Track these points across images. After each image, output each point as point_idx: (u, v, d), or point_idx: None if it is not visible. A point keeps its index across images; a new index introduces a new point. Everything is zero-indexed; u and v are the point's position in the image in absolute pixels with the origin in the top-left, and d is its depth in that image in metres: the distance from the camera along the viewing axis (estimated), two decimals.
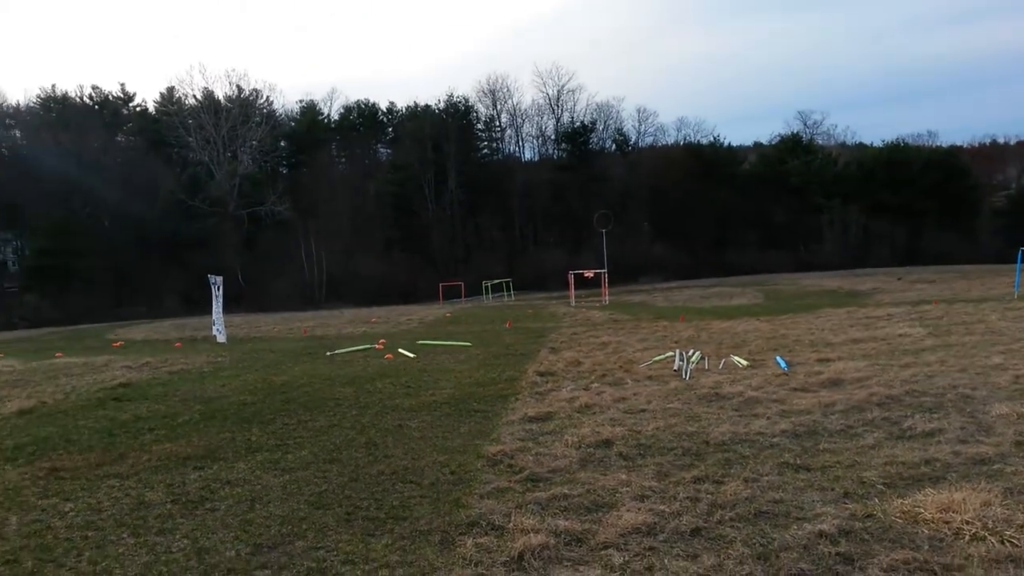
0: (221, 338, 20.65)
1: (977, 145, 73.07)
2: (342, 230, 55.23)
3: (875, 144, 68.47)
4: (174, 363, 14.99)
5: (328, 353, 16.00)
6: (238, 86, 59.03)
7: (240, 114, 56.58)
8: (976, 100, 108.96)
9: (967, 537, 4.06)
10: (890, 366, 10.34)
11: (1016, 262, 23.08)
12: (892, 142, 64.45)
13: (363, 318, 29.03)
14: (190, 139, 55.92)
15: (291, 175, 63.61)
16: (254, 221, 54.46)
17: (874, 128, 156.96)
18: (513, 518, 4.83)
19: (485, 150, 67.47)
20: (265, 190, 55.07)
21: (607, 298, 32.61)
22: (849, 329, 15.97)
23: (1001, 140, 74.68)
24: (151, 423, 8.92)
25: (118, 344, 22.54)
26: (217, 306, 21.10)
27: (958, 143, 70.94)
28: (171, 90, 60.20)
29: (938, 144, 67.23)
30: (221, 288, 21.18)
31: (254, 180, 56.27)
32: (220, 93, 58.58)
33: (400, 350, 15.79)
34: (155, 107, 61.30)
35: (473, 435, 7.57)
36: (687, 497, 5.10)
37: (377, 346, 17.08)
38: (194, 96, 58.47)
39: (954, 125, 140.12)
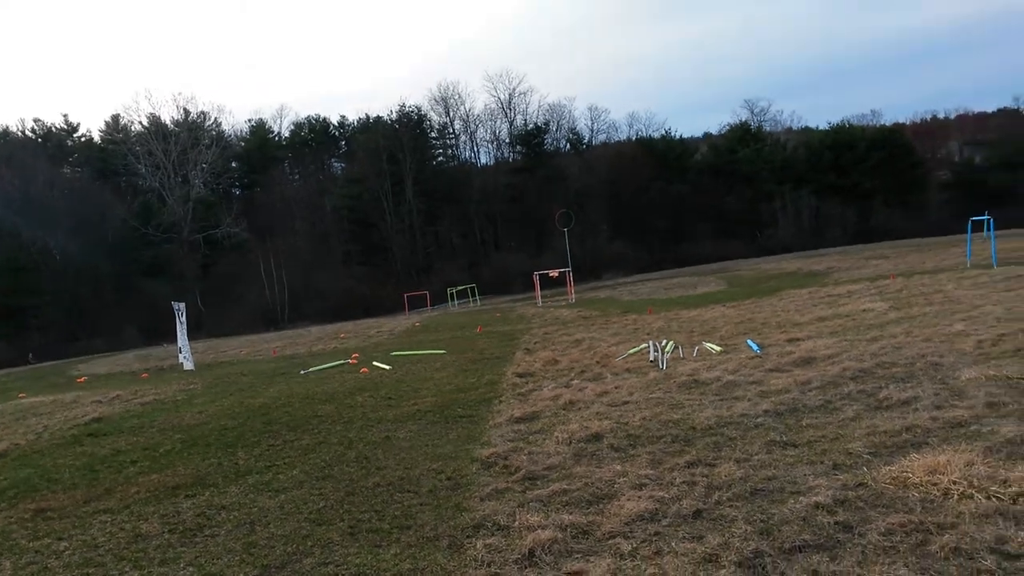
0: (188, 365, 20.32)
1: (919, 121, 75.22)
2: (300, 247, 54.74)
3: (821, 127, 70.15)
4: (145, 394, 14.72)
5: (302, 371, 15.87)
6: (185, 109, 58.24)
7: (189, 138, 55.74)
8: (914, 77, 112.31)
9: (956, 496, 4.25)
10: (858, 341, 10.63)
11: (967, 232, 23.88)
12: (837, 124, 66.13)
13: (331, 334, 28.78)
14: (139, 166, 54.88)
15: (245, 196, 62.89)
16: (210, 245, 53.68)
17: (819, 111, 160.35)
18: (517, 517, 4.89)
19: (440, 158, 67.45)
20: (219, 213, 54.35)
21: (573, 296, 32.85)
22: (813, 308, 16.37)
23: (941, 115, 77.01)
24: (132, 456, 8.77)
25: (82, 380, 22.00)
26: (182, 333, 20.76)
27: (901, 120, 72.99)
28: (116, 118, 59.19)
29: (882, 123, 69.16)
30: (184, 314, 20.85)
31: (207, 203, 55.46)
32: (167, 117, 57.77)
33: (375, 363, 15.73)
34: (100, 136, 60.12)
35: (463, 440, 7.61)
36: (683, 482, 5.22)
37: (351, 361, 16.99)
38: (140, 122, 57.57)
39: (896, 103, 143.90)
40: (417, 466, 6.73)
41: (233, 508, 6.13)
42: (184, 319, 20.87)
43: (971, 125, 73.01)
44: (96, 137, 60.73)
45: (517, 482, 5.78)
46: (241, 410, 11.40)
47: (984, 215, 23.23)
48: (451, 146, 67.87)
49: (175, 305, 21.17)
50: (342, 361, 17.18)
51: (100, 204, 50.39)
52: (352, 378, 13.90)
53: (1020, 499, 4.09)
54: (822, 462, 5.30)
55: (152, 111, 57.32)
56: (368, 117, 66.17)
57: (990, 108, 79.13)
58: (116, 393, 15.35)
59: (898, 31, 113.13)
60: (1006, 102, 78.59)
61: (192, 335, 28.48)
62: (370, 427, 8.86)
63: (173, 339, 22.40)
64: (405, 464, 6.86)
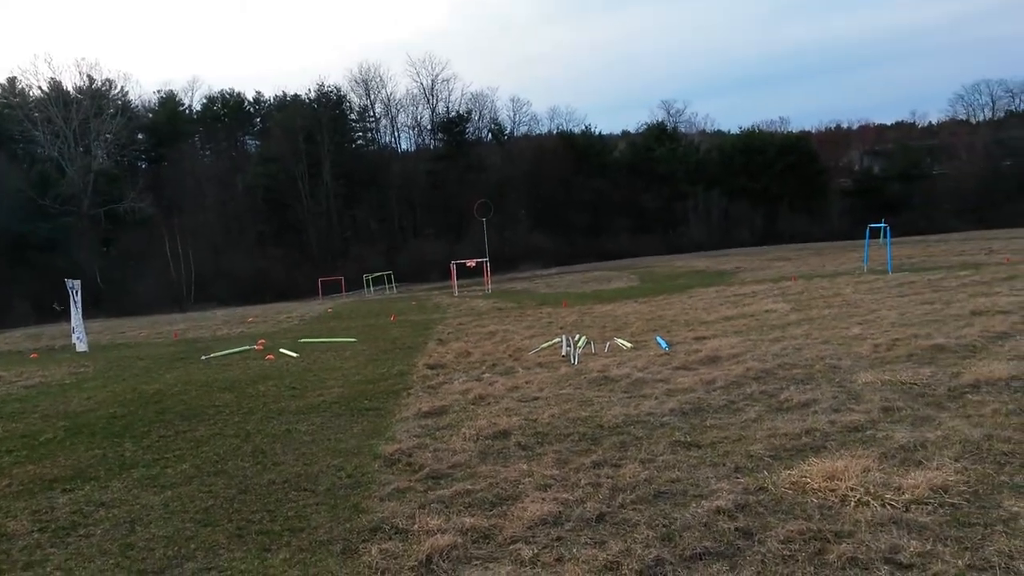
0: (82, 346, 19.15)
1: (824, 130, 78.62)
2: (210, 226, 52.68)
3: (732, 131, 72.47)
4: (31, 376, 13.74)
5: (203, 357, 15.16)
6: (89, 76, 55.01)
7: (92, 106, 52.62)
8: (821, 87, 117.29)
9: (853, 503, 4.32)
10: (761, 341, 10.91)
11: (865, 238, 25.05)
12: (748, 129, 68.48)
13: (238, 318, 27.75)
14: (37, 133, 51.38)
15: (152, 170, 59.99)
16: (112, 219, 50.92)
17: (731, 115, 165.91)
18: (417, 519, 4.71)
19: (360, 141, 66.17)
20: (123, 186, 51.62)
21: (490, 287, 32.79)
22: (720, 307, 16.80)
23: (845, 125, 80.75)
24: (9, 444, 8.11)
25: None
26: (76, 312, 19.53)
27: (807, 128, 76.13)
28: (12, 80, 55.35)
29: (789, 130, 71.95)
30: (79, 293, 19.63)
31: (110, 176, 52.59)
32: (69, 84, 54.39)
33: (282, 350, 15.18)
34: None
35: (367, 435, 7.36)
36: (588, 483, 5.16)
37: (256, 347, 16.35)
38: (39, 87, 53.88)
39: (802, 110, 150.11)
40: (317, 462, 6.44)
41: (113, 505, 5.71)
42: (79, 298, 19.64)
43: (872, 136, 76.86)
44: None
45: (420, 481, 5.60)
46: (133, 397, 10.75)
47: (881, 222, 24.41)
48: (371, 130, 66.71)
49: (69, 283, 19.89)
50: (247, 347, 16.52)
51: None
52: (256, 365, 13.36)
53: (913, 507, 4.19)
54: (724, 464, 5.33)
55: (53, 76, 53.85)
56: (285, 95, 64.40)
57: (889, 121, 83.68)
58: None
59: (806, 42, 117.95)
60: (904, 115, 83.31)
61: (90, 314, 26.94)
62: (270, 419, 8.48)
63: (68, 318, 21.02)
64: (304, 460, 6.56)
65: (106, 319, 35.26)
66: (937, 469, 4.74)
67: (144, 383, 12.08)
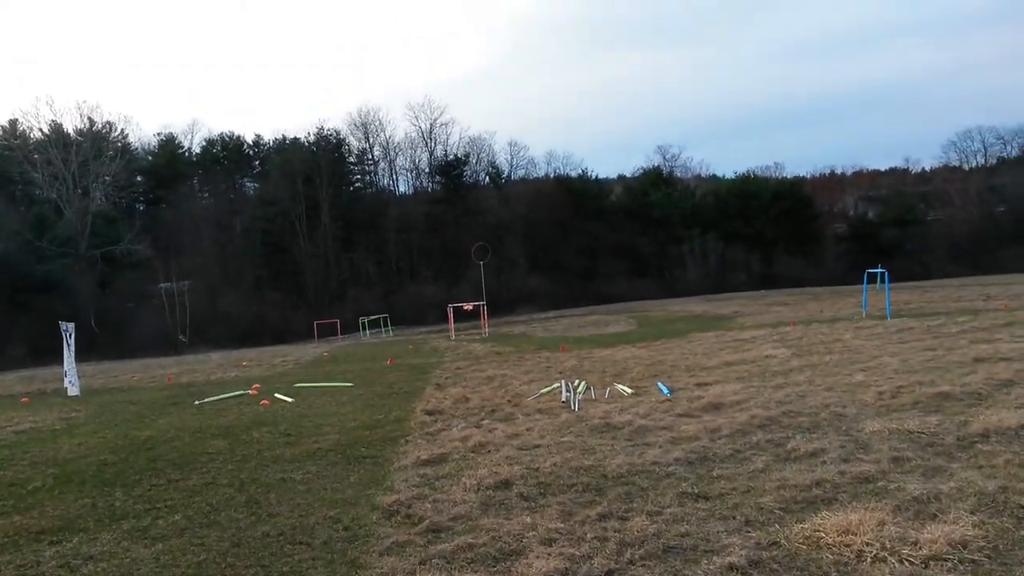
0: (73, 390, 18.91)
1: (818, 175, 79.56)
2: (207, 269, 52.61)
3: (727, 176, 73.24)
4: (21, 421, 13.49)
5: (197, 402, 14.93)
6: (90, 118, 55.50)
7: (92, 148, 52.98)
8: (816, 133, 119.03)
9: (869, 559, 4.17)
10: (764, 388, 10.78)
11: (862, 284, 25.08)
12: (743, 174, 69.20)
13: (233, 361, 27.51)
14: (36, 174, 51.59)
15: (150, 211, 60.15)
16: (108, 261, 50.82)
17: (726, 160, 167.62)
18: None
19: (358, 184, 66.58)
20: (120, 228, 51.67)
21: (487, 330, 32.65)
22: (720, 352, 16.68)
23: (839, 171, 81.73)
24: None
25: None
26: (69, 355, 19.33)
27: (801, 174, 77.06)
28: (14, 123, 55.80)
29: (784, 175, 72.78)
30: (73, 335, 19.46)
31: (108, 218, 52.69)
32: (70, 126, 54.83)
33: (277, 395, 14.98)
34: None
35: (364, 484, 7.17)
36: (595, 537, 4.99)
37: (251, 391, 16.14)
38: (40, 129, 54.31)
39: (797, 156, 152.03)
40: (313, 513, 6.25)
41: (102, 558, 5.50)
42: (72, 341, 19.47)
43: (866, 182, 77.73)
44: None
45: (420, 534, 5.41)
46: (124, 443, 10.53)
47: (878, 268, 24.47)
48: (369, 173, 67.21)
49: (63, 325, 19.73)
50: (241, 391, 16.30)
51: None
52: (251, 411, 13.15)
53: (931, 563, 4.05)
54: (734, 517, 5.18)
55: (54, 118, 54.31)
56: (284, 138, 64.93)
57: (883, 166, 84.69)
58: None
59: (800, 89, 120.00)
60: (898, 162, 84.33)
61: (83, 357, 26.69)
62: (265, 467, 8.28)
63: (61, 361, 20.79)
64: (300, 511, 6.37)
65: (99, 362, 34.96)
66: (954, 523, 4.59)
67: (136, 429, 11.86)
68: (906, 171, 78.40)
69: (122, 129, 59.13)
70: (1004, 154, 68.66)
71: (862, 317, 22.76)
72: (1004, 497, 5.08)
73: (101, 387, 21.14)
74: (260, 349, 36.26)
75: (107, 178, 54.97)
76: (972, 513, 4.79)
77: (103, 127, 56.73)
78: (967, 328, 16.79)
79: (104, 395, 18.61)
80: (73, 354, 19.52)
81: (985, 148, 69.35)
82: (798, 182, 70.43)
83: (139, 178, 60.81)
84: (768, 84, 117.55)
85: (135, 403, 15.80)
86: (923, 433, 7.06)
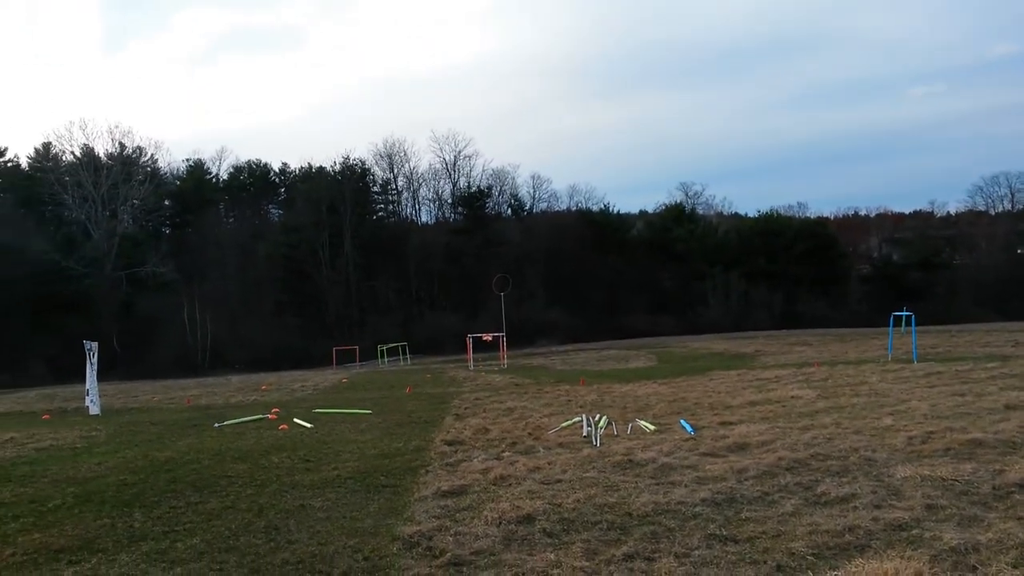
0: (95, 409, 19.03)
1: (842, 216, 79.11)
2: (229, 293, 53.06)
3: (750, 214, 72.93)
4: (42, 438, 13.58)
5: (216, 425, 14.96)
6: (121, 143, 56.50)
7: (122, 172, 53.94)
8: (840, 174, 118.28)
9: None
10: (790, 429, 10.59)
11: (888, 326, 24.72)
12: (766, 212, 68.91)
13: (252, 385, 27.59)
14: (66, 196, 52.56)
15: (175, 235, 60.86)
16: (133, 283, 51.47)
17: (748, 198, 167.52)
18: None
19: (381, 213, 67.09)
20: (146, 251, 52.37)
21: (505, 361, 32.51)
22: (743, 391, 16.44)
23: (863, 212, 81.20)
24: (16, 509, 7.91)
25: None
26: (91, 374, 19.49)
27: (825, 214, 76.60)
28: (47, 146, 57.02)
29: (807, 215, 72.36)
30: (96, 355, 19.63)
31: (135, 240, 53.44)
32: (101, 150, 55.84)
33: (296, 420, 14.96)
34: (29, 163, 57.69)
35: (384, 513, 7.10)
36: None
37: (270, 416, 16.14)
38: (73, 152, 55.42)
39: (820, 196, 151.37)
40: (332, 542, 6.18)
41: None
42: (95, 360, 19.63)
43: (890, 224, 77.10)
44: (24, 163, 58.35)
45: (441, 567, 5.32)
46: (144, 464, 10.54)
47: (903, 310, 24.12)
48: (393, 202, 67.67)
49: (87, 344, 19.93)
50: (261, 415, 16.31)
51: (20, 232, 47.82)
52: (270, 435, 13.13)
53: None
54: (765, 562, 5.04)
55: (86, 142, 55.43)
56: (311, 166, 65.57)
57: (907, 209, 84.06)
58: (10, 435, 14.14)
59: (825, 130, 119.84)
60: (922, 205, 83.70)
61: (104, 376, 26.92)
62: (284, 492, 8.23)
63: (83, 379, 20.94)
64: (319, 539, 6.30)
65: (120, 382, 35.23)
66: None
67: (156, 450, 11.88)
68: (931, 214, 77.66)
69: (152, 154, 60.17)
70: None
71: (888, 360, 22.40)
72: None
73: (122, 407, 21.27)
74: (279, 374, 36.35)
75: (135, 201, 55.84)
76: (1014, 567, 4.64)
77: (134, 152, 57.77)
78: (996, 374, 16.46)
79: (125, 415, 18.71)
80: (95, 373, 19.67)
81: (1012, 193, 68.54)
82: (822, 222, 70.01)
83: (167, 202, 61.67)
84: (792, 125, 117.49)
85: (155, 424, 15.86)
86: (957, 481, 6.88)
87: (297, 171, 67.88)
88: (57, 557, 6.11)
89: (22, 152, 64.26)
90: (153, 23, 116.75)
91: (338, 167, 62.43)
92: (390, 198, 67.41)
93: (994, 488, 6.61)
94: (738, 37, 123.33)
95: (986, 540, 5.17)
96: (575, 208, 68.22)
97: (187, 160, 65.85)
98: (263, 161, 69.12)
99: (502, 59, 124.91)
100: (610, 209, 67.91)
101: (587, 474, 8.27)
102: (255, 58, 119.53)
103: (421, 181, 66.15)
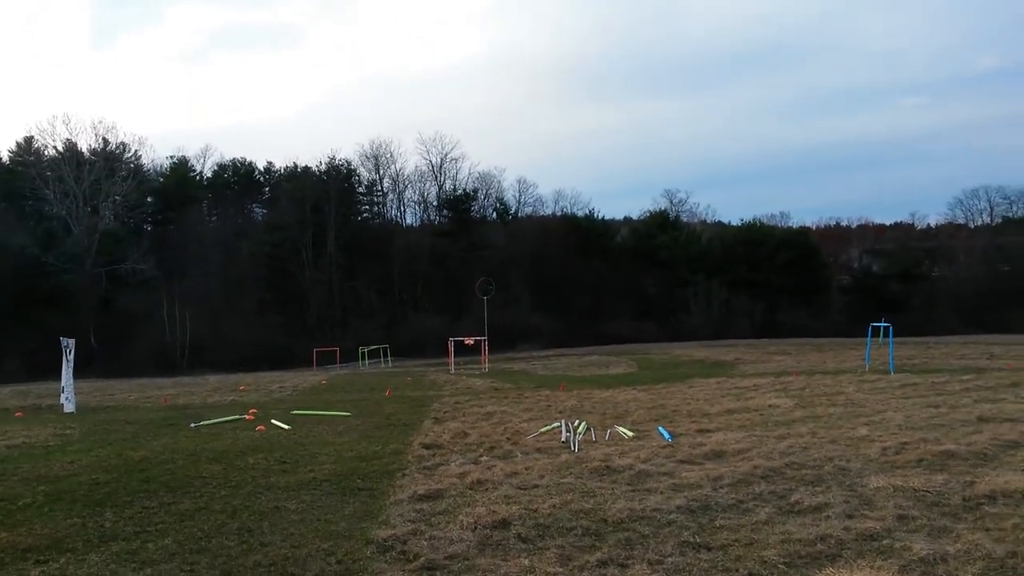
0: (69, 407, 18.77)
1: (824, 226, 79.84)
2: (211, 291, 52.65)
3: (733, 223, 73.45)
4: (14, 436, 13.37)
5: (192, 425, 14.82)
6: (104, 139, 56.00)
7: (105, 167, 53.43)
8: (821, 185, 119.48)
9: None
10: (767, 437, 10.65)
11: (866, 336, 24.96)
12: (749, 221, 69.43)
13: (231, 385, 27.37)
14: (47, 191, 51.97)
15: (157, 232, 60.40)
16: (113, 280, 50.96)
17: (732, 207, 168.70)
18: None
19: (366, 214, 66.92)
20: (127, 248, 51.87)
21: (487, 365, 32.49)
22: (722, 399, 16.54)
23: (845, 222, 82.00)
24: None
25: None
26: (67, 371, 19.23)
27: (807, 224, 77.32)
28: (29, 140, 56.38)
29: (790, 224, 73.02)
30: (73, 352, 19.38)
31: (116, 236, 52.93)
32: (84, 145, 55.32)
33: (273, 421, 14.85)
34: (10, 157, 57.03)
35: (359, 517, 7.06)
36: None
37: (247, 416, 16.01)
38: (55, 147, 54.84)
39: (802, 207, 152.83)
40: (306, 544, 6.14)
41: None
42: (72, 357, 19.38)
43: (871, 235, 77.93)
44: (4, 157, 57.72)
45: (414, 572, 5.30)
46: (118, 463, 10.42)
47: (882, 321, 24.37)
48: (378, 203, 67.57)
49: (64, 341, 19.66)
50: (238, 416, 16.18)
51: (0, 227, 47.19)
52: (246, 436, 13.02)
53: None
54: (737, 570, 5.07)
55: (69, 137, 54.85)
56: (296, 166, 65.38)
57: (888, 220, 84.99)
58: None
59: (809, 141, 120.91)
60: (903, 217, 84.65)
61: (81, 374, 26.58)
62: (259, 494, 8.17)
63: (58, 376, 20.67)
64: (292, 541, 6.26)
65: (97, 380, 34.79)
66: None
67: (130, 449, 11.75)
68: (911, 226, 78.62)
69: (135, 150, 59.69)
70: (1010, 214, 68.83)
71: (865, 370, 22.62)
72: (1013, 562, 4.98)
73: (97, 405, 21.01)
74: (258, 374, 36.09)
75: (117, 198, 55.34)
76: None
77: (117, 147, 57.29)
78: (971, 386, 16.67)
79: (100, 413, 18.49)
80: (71, 370, 19.43)
81: (991, 207, 69.58)
82: (804, 231, 70.70)
83: (149, 199, 61.16)
84: (776, 135, 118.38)
85: (131, 423, 15.68)
86: (928, 491, 6.96)
87: (282, 170, 67.69)
88: (24, 556, 6.02)
89: (3, 146, 63.88)
90: (144, 18, 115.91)
91: (324, 167, 62.29)
92: (375, 199, 67.31)
93: (964, 499, 6.69)
94: (727, 45, 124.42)
95: (954, 551, 5.22)
96: (560, 213, 68.61)
97: (171, 157, 65.53)
98: (248, 160, 68.88)
99: (491, 61, 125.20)
100: (595, 215, 68.31)
101: (564, 480, 8.27)
102: (243, 56, 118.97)
103: (407, 183, 66.19)
